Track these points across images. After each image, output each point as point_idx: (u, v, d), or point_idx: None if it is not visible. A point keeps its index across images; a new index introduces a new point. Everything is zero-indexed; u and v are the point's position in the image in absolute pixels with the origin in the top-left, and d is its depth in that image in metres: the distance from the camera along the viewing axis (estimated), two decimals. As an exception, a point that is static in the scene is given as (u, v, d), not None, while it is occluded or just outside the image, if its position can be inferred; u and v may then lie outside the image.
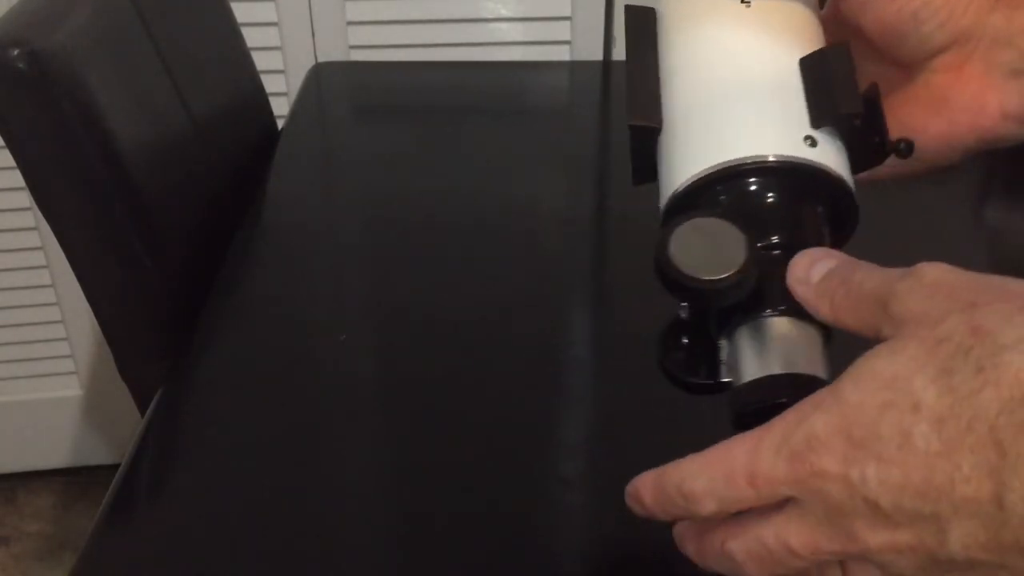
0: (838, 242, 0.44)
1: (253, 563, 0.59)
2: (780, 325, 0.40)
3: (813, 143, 0.42)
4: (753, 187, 0.42)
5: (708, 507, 0.37)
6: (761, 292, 0.40)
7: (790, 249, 0.41)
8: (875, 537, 0.33)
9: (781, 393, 0.38)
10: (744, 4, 0.46)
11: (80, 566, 0.59)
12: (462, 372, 0.75)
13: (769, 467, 0.35)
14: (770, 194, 0.42)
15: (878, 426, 0.32)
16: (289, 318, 0.83)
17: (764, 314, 0.40)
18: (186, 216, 0.98)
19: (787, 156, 0.42)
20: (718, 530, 0.38)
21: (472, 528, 0.61)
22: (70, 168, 0.85)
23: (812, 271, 0.38)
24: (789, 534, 0.35)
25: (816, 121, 0.42)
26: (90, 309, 0.92)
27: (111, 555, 0.61)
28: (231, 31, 1.22)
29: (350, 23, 1.47)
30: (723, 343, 0.43)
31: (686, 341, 0.46)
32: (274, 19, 1.46)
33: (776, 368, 0.40)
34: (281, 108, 1.36)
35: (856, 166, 0.44)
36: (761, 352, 0.41)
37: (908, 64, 0.46)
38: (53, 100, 0.81)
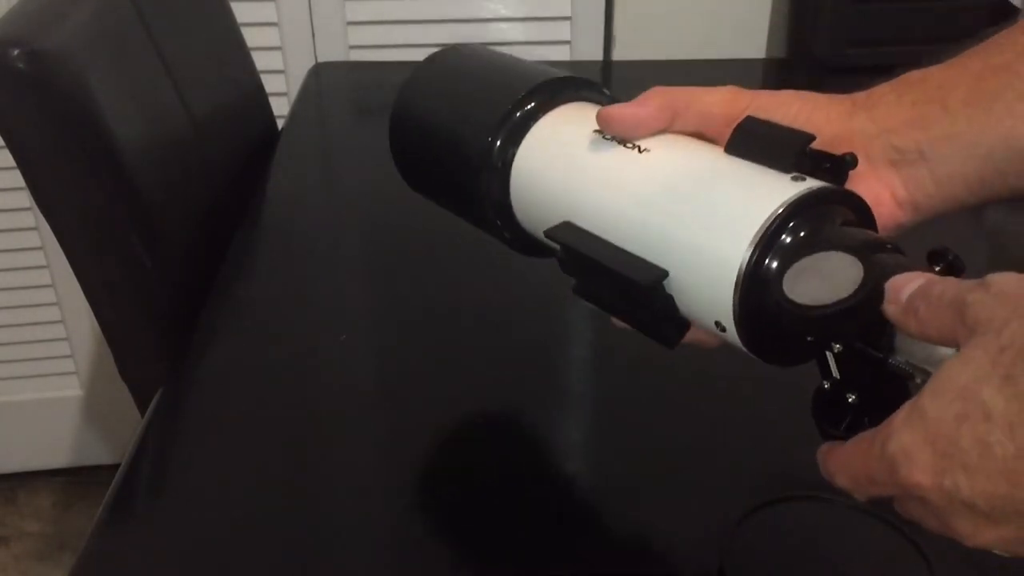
0: None
1: (253, 563, 0.59)
2: None
3: (802, 178, 0.44)
4: (798, 230, 0.43)
5: (860, 497, 0.42)
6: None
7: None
8: (982, 534, 0.36)
9: None
10: (641, 151, 0.49)
11: (80, 566, 0.59)
12: (462, 371, 0.75)
13: (878, 474, 0.38)
14: (813, 225, 0.43)
15: (958, 438, 0.35)
16: (289, 318, 0.83)
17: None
18: (186, 216, 0.98)
19: (801, 193, 0.43)
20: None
21: (472, 528, 0.61)
22: (69, 168, 0.85)
23: (902, 292, 0.40)
24: (923, 519, 0.38)
25: (785, 165, 0.45)
26: (90, 309, 0.92)
27: (111, 555, 0.61)
28: (231, 31, 1.22)
29: (350, 23, 1.47)
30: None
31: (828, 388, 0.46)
32: (274, 19, 1.46)
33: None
34: (281, 108, 1.36)
35: None
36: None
37: None
38: (53, 100, 0.81)
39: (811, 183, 0.44)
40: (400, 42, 1.48)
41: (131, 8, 0.98)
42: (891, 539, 0.55)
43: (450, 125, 0.58)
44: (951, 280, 0.39)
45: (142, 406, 0.92)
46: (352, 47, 1.48)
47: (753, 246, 0.43)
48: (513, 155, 0.54)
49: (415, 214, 0.97)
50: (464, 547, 0.60)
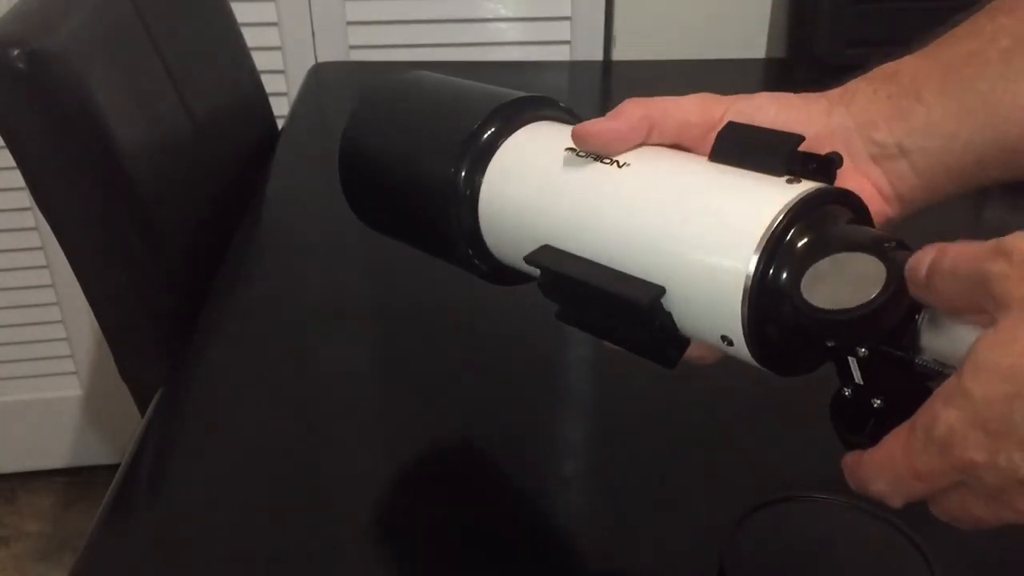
0: None
1: (253, 563, 0.59)
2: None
3: (797, 180, 0.43)
4: (805, 233, 0.41)
5: (897, 503, 0.40)
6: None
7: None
8: None
9: None
10: (621, 166, 0.47)
11: (80, 566, 0.59)
12: (462, 371, 0.76)
13: (925, 463, 0.37)
14: (820, 227, 0.41)
15: (1011, 417, 0.34)
16: (289, 318, 0.83)
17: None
18: (186, 216, 0.98)
19: (801, 194, 0.42)
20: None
21: (472, 528, 0.61)
22: (70, 168, 0.85)
23: (920, 269, 0.39)
24: (969, 508, 0.38)
25: (777, 168, 0.44)
26: (90, 309, 0.92)
27: (111, 555, 0.61)
28: (231, 31, 1.22)
29: (350, 23, 1.47)
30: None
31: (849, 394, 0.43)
32: (274, 19, 1.46)
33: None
34: (281, 108, 1.36)
35: None
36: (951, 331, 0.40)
37: None
38: (53, 100, 0.81)
39: (808, 184, 0.43)
40: (400, 42, 1.48)
41: (131, 8, 0.98)
42: (891, 539, 0.55)
43: (408, 158, 0.55)
44: (962, 247, 0.38)
45: (142, 406, 0.92)
46: (352, 47, 1.48)
47: (759, 252, 0.41)
48: (480, 182, 0.51)
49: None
50: (464, 547, 0.60)
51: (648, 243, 0.44)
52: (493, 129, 0.52)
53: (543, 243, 0.48)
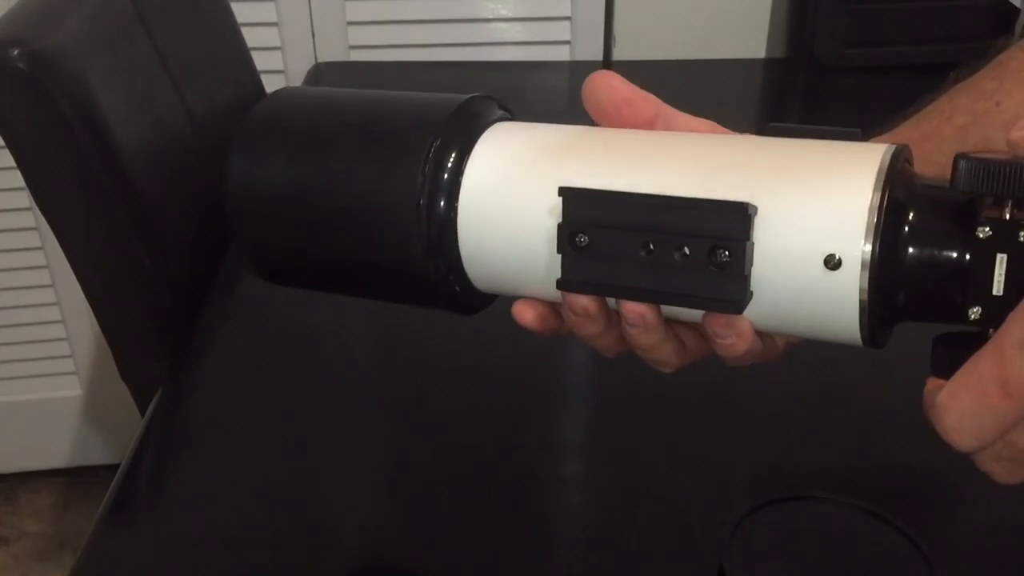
0: None
1: (253, 563, 0.59)
2: None
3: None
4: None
5: (970, 439, 0.36)
6: None
7: None
8: None
9: None
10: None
11: (80, 566, 0.59)
12: (462, 371, 0.75)
13: (1018, 372, 0.34)
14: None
15: None
16: (289, 318, 0.83)
17: None
18: (186, 216, 0.98)
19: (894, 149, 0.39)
20: None
21: (473, 528, 0.61)
22: (70, 168, 0.85)
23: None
24: None
25: (850, 135, 0.41)
26: (90, 309, 0.92)
27: (111, 555, 0.61)
28: (231, 31, 1.22)
29: (350, 23, 1.47)
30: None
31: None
32: (274, 19, 1.46)
33: None
34: (281, 108, 1.35)
35: None
36: None
37: None
38: (53, 100, 0.81)
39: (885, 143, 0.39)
40: (400, 42, 1.48)
41: (131, 8, 0.98)
42: (891, 539, 0.55)
43: (345, 195, 0.45)
44: None
45: (142, 406, 0.92)
46: (352, 47, 1.48)
47: (884, 174, 0.37)
48: (454, 209, 0.43)
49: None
50: (464, 547, 0.60)
51: (726, 169, 0.39)
52: (453, 146, 0.43)
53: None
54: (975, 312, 0.37)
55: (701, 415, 0.70)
